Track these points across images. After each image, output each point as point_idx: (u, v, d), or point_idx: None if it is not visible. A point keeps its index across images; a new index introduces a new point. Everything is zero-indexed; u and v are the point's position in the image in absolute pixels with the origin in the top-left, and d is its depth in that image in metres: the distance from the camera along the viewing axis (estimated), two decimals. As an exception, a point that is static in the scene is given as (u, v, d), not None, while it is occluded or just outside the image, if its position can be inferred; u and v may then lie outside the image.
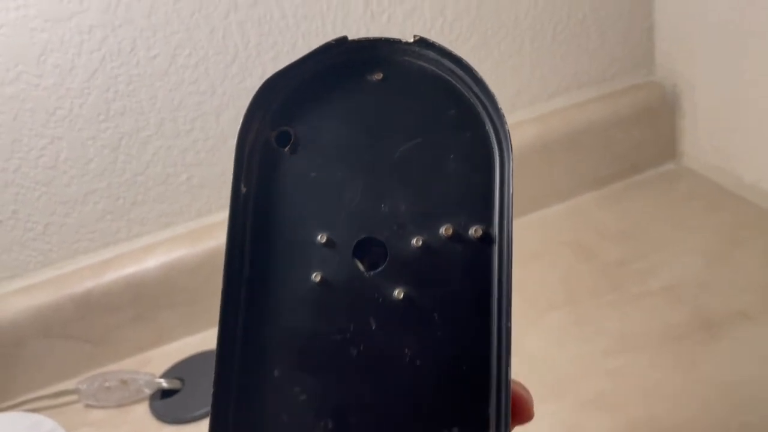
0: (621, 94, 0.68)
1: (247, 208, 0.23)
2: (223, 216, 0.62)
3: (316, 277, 0.22)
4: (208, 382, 0.60)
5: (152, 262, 0.59)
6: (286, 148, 0.23)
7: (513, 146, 0.23)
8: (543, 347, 0.52)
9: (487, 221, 0.23)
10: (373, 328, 0.22)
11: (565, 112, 0.67)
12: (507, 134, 0.23)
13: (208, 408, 0.55)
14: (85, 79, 0.54)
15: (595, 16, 0.65)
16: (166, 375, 0.56)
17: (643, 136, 0.69)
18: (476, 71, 0.23)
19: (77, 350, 0.59)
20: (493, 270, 0.22)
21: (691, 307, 0.53)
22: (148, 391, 0.55)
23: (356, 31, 0.58)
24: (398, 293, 0.22)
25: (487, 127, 0.23)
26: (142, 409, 0.55)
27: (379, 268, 0.22)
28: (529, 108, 0.67)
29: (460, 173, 0.23)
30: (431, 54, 0.23)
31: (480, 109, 0.23)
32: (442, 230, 0.23)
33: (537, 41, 0.65)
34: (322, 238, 0.23)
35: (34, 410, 0.55)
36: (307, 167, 0.23)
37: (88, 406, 0.56)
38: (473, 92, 0.23)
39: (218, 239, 0.60)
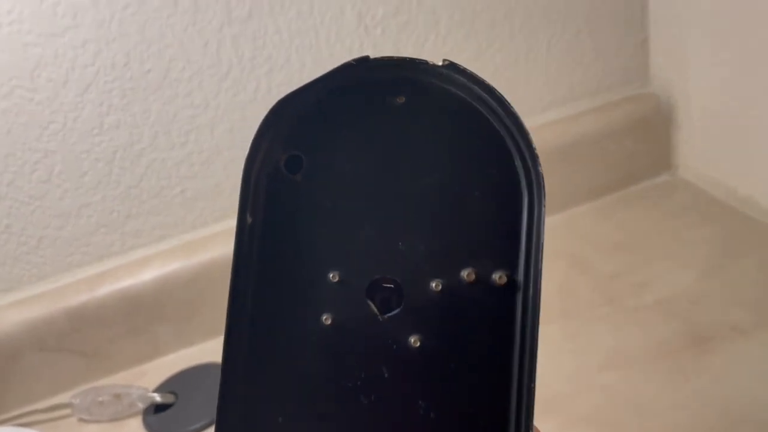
0: (615, 106, 0.68)
1: (253, 241, 0.21)
2: (218, 228, 0.62)
3: (326, 319, 0.21)
4: (203, 396, 0.60)
5: (147, 275, 0.59)
6: (297, 175, 0.21)
7: (546, 188, 0.21)
8: (538, 362, 0.52)
9: (512, 267, 0.21)
10: (386, 376, 0.20)
11: (560, 124, 0.67)
12: (540, 175, 0.21)
13: (202, 422, 0.55)
14: (78, 93, 0.54)
15: (590, 28, 0.65)
16: (159, 389, 0.56)
17: (637, 147, 0.69)
18: (510, 103, 0.21)
19: (71, 364, 0.58)
20: (517, 321, 0.20)
21: (684, 321, 0.53)
22: (141, 405, 0.55)
23: (350, 44, 0.58)
24: (414, 341, 0.20)
25: (516, 164, 0.21)
26: (136, 424, 0.55)
27: (394, 312, 0.21)
28: (524, 120, 0.67)
29: (486, 213, 0.21)
30: (460, 79, 0.21)
31: (510, 144, 0.21)
32: (464, 274, 0.21)
33: (532, 54, 0.65)
34: (334, 276, 0.21)
35: (27, 424, 0.55)
36: (318, 197, 0.21)
37: (81, 420, 0.56)
38: (504, 125, 0.21)
39: (213, 252, 0.60)
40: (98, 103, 0.55)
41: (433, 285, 0.21)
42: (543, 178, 0.21)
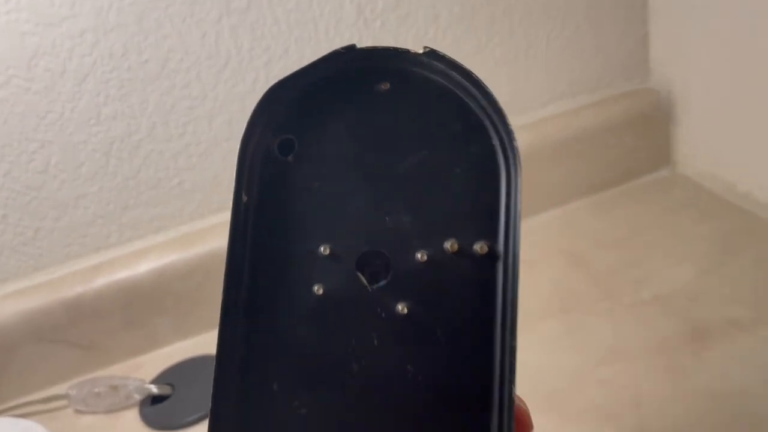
0: (615, 101, 0.68)
1: (248, 218, 0.22)
2: (215, 220, 0.62)
3: (318, 289, 0.22)
4: (199, 388, 0.60)
5: (144, 266, 0.58)
6: (289, 157, 0.23)
7: (521, 162, 0.22)
8: (535, 357, 0.52)
9: (492, 238, 0.22)
10: (375, 343, 0.22)
11: (560, 119, 0.67)
12: (515, 150, 0.22)
13: (198, 414, 0.55)
14: (76, 83, 0.54)
15: (590, 23, 0.65)
16: (156, 380, 0.56)
17: (637, 143, 0.69)
18: (486, 85, 0.23)
19: (68, 355, 0.58)
20: (498, 287, 0.22)
21: (683, 316, 0.53)
22: (138, 397, 0.55)
23: (349, 37, 0.58)
24: (401, 308, 0.22)
25: (494, 142, 0.22)
26: (132, 415, 0.54)
27: (382, 282, 0.22)
28: (523, 115, 0.67)
29: (466, 188, 0.22)
30: (440, 66, 0.23)
31: (488, 123, 0.23)
32: (447, 245, 0.22)
33: (532, 49, 0.64)
34: (324, 249, 0.22)
35: (23, 415, 0.55)
36: (309, 177, 0.23)
37: (77, 411, 0.56)
38: (481, 106, 0.23)
39: (211, 244, 0.59)
40: (96, 93, 0.54)
41: (419, 256, 0.22)
42: (518, 152, 0.22)
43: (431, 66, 0.23)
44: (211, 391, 0.21)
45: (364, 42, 0.58)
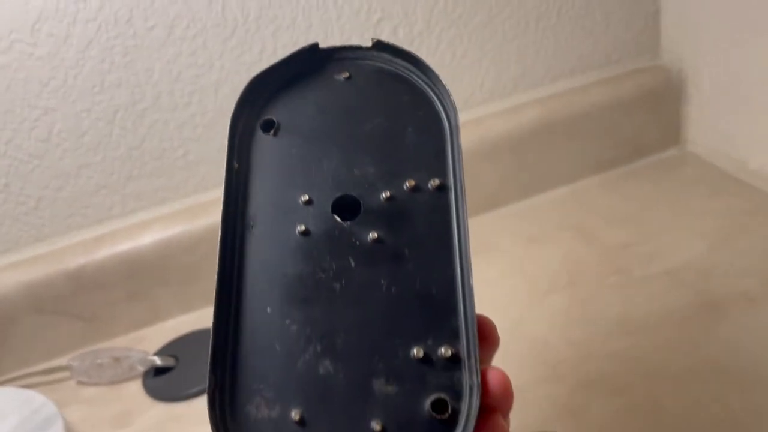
0: (625, 78, 0.67)
1: (239, 179, 0.27)
2: (220, 193, 0.61)
3: (300, 227, 0.26)
4: (203, 361, 0.59)
5: (147, 238, 0.58)
6: (270, 133, 0.28)
7: (458, 109, 0.28)
8: (544, 329, 0.51)
9: (443, 175, 0.27)
10: (353, 265, 0.25)
11: (569, 95, 0.66)
12: (452, 106, 0.28)
13: (202, 386, 0.54)
14: (80, 50, 0.53)
15: (602, -3, 0.64)
16: (159, 353, 0.55)
17: (647, 120, 0.68)
18: (423, 61, 0.29)
19: (70, 327, 0.58)
20: (452, 211, 0.26)
21: (694, 290, 0.52)
22: (141, 369, 0.54)
23: (358, 6, 0.57)
24: (372, 237, 0.26)
25: (436, 106, 0.28)
26: (135, 387, 0.54)
27: (355, 219, 0.26)
28: (533, 90, 0.66)
29: (418, 141, 0.28)
30: (386, 55, 0.29)
31: (429, 91, 0.29)
32: (406, 184, 0.27)
33: (542, 22, 0.64)
34: (304, 197, 0.27)
35: (25, 386, 0.54)
36: (288, 146, 0.28)
37: (80, 383, 0.55)
38: (422, 79, 0.29)
39: (215, 216, 0.58)
40: (100, 60, 0.53)
41: (384, 195, 0.27)
42: (455, 106, 0.28)
43: (379, 56, 0.29)
44: (212, 316, 0.24)
45: (373, 9, 0.57)
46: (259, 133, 0.28)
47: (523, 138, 0.64)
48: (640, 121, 0.68)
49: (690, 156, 0.69)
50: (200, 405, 0.51)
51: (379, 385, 0.23)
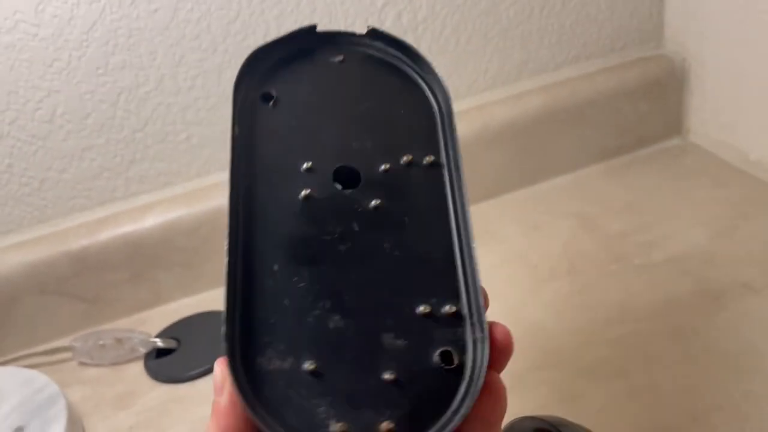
0: (629, 67, 0.67)
1: (243, 148, 0.27)
2: (222, 177, 0.61)
3: (304, 192, 0.27)
4: (205, 343, 0.60)
5: (150, 221, 0.58)
6: (269, 104, 0.29)
7: (462, 95, 0.30)
8: (544, 316, 0.51)
9: (436, 153, 0.29)
10: (357, 230, 0.26)
11: (573, 83, 0.66)
12: (445, 92, 0.29)
13: (204, 368, 0.55)
14: (84, 31, 0.53)
15: (607, -17, 0.64)
16: (161, 335, 0.56)
17: (649, 109, 0.68)
18: (415, 50, 0.30)
19: (72, 308, 0.58)
20: (446, 186, 0.28)
21: (694, 278, 0.52)
22: (143, 350, 0.54)
23: (363, -10, 0.57)
24: (374, 203, 0.27)
25: (427, 93, 0.30)
26: (137, 368, 0.54)
27: (356, 188, 0.27)
28: (536, 78, 0.66)
29: (410, 123, 0.29)
30: (379, 43, 0.31)
31: (419, 78, 0.30)
32: (403, 159, 0.28)
33: (546, 9, 0.63)
34: (306, 164, 0.27)
35: (28, 366, 0.54)
36: (288, 118, 0.29)
37: (82, 363, 0.55)
38: (412, 67, 0.30)
39: (217, 200, 0.59)
40: (104, 41, 0.53)
41: (382, 167, 0.28)
42: (448, 91, 0.29)
43: (372, 44, 0.31)
44: (225, 270, 0.24)
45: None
46: (260, 104, 0.29)
47: (527, 125, 0.64)
48: (643, 110, 0.68)
49: (692, 146, 0.69)
50: (201, 386, 0.51)
51: (389, 339, 0.24)
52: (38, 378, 0.51)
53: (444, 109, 0.29)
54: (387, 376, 0.23)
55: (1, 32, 0.51)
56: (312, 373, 0.23)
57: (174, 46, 0.55)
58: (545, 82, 0.66)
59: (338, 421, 0.22)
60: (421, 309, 0.25)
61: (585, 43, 0.67)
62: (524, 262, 0.56)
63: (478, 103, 0.64)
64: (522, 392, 0.45)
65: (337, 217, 0.26)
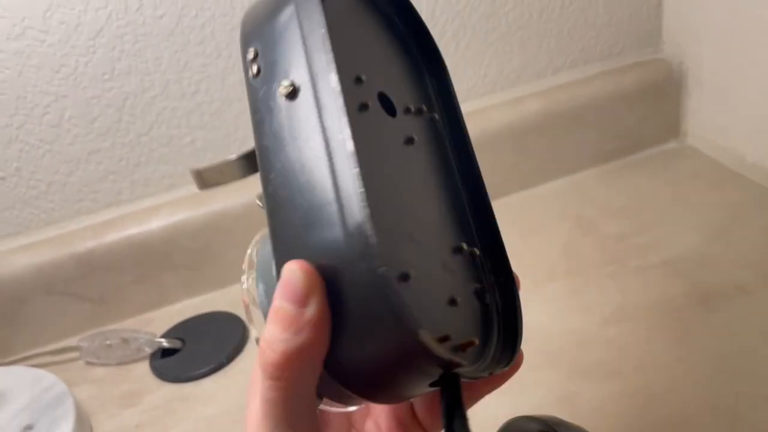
0: (627, 71, 0.68)
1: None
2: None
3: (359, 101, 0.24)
4: (209, 343, 0.60)
5: (155, 223, 0.59)
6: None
7: (460, 100, 0.31)
8: (541, 317, 0.52)
9: (430, 107, 0.30)
10: (400, 152, 0.26)
11: (571, 87, 0.67)
12: (439, 54, 0.31)
13: (208, 367, 0.55)
14: (90, 37, 0.54)
15: (605, -11, 0.65)
16: (166, 335, 0.57)
17: (647, 113, 0.69)
18: (416, 13, 0.30)
19: (79, 308, 0.59)
20: (444, 137, 0.31)
21: (689, 280, 0.53)
22: (148, 350, 0.55)
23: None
24: (408, 136, 0.27)
25: (418, 60, 0.31)
26: (143, 368, 0.55)
27: (394, 117, 0.26)
28: (535, 82, 0.67)
29: (414, 84, 0.30)
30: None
31: (420, 59, 0.31)
32: (413, 107, 0.28)
33: (545, 14, 0.64)
34: (359, 75, 0.24)
35: (36, 366, 0.55)
36: (338, 33, 0.25)
37: (88, 363, 0.56)
38: (403, 33, 0.31)
39: (221, 203, 0.60)
40: (110, 47, 0.54)
41: (405, 107, 0.28)
42: (445, 66, 0.31)
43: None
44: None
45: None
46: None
47: (525, 129, 0.65)
48: (640, 114, 0.69)
49: (689, 149, 0.70)
50: (205, 386, 0.53)
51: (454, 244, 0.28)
52: (46, 377, 0.52)
53: (443, 79, 0.31)
54: (464, 246, 0.29)
55: (9, 39, 0.52)
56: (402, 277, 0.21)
57: (179, 51, 0.56)
58: (544, 87, 0.67)
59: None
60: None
61: (583, 48, 0.68)
62: (522, 264, 0.57)
63: (477, 108, 0.65)
64: (518, 392, 0.46)
65: (384, 135, 0.25)
